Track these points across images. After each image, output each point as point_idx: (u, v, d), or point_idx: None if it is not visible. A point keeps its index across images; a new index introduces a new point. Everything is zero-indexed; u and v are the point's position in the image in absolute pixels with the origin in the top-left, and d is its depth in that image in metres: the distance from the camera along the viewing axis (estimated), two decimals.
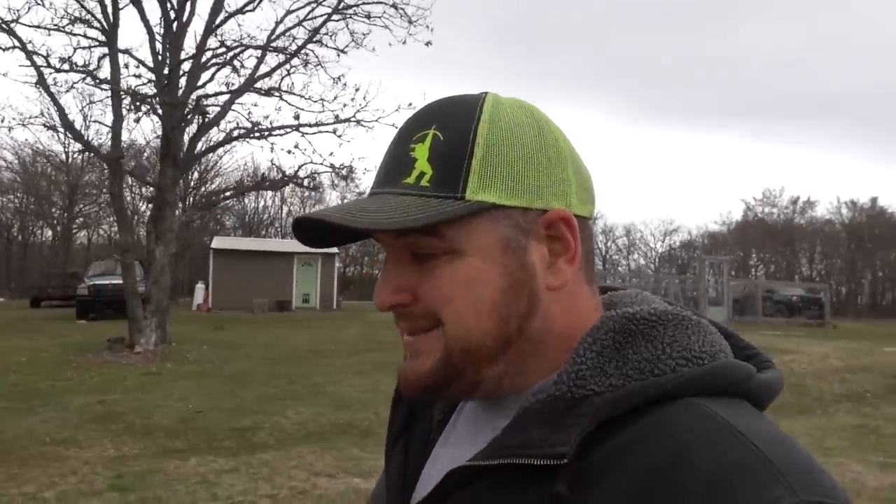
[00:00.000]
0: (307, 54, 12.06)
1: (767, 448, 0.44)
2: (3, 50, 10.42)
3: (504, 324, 0.53)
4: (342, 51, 11.96)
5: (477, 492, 0.51)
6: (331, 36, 12.01)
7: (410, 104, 12.79)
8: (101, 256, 27.96)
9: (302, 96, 11.95)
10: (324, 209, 0.55)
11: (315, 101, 11.93)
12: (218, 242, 25.19)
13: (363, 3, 12.47)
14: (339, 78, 11.87)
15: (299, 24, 12.80)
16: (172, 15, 12.06)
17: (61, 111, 11.33)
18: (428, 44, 12.59)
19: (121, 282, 19.26)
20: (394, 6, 12.34)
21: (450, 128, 0.53)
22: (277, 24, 12.77)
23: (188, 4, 12.10)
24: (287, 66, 12.06)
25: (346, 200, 0.53)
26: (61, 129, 11.51)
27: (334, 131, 11.84)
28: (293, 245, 26.34)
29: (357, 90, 12.21)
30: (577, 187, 0.56)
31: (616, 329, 0.52)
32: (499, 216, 0.52)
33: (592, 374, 0.50)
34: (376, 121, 12.15)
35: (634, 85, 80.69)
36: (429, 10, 12.45)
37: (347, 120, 12.07)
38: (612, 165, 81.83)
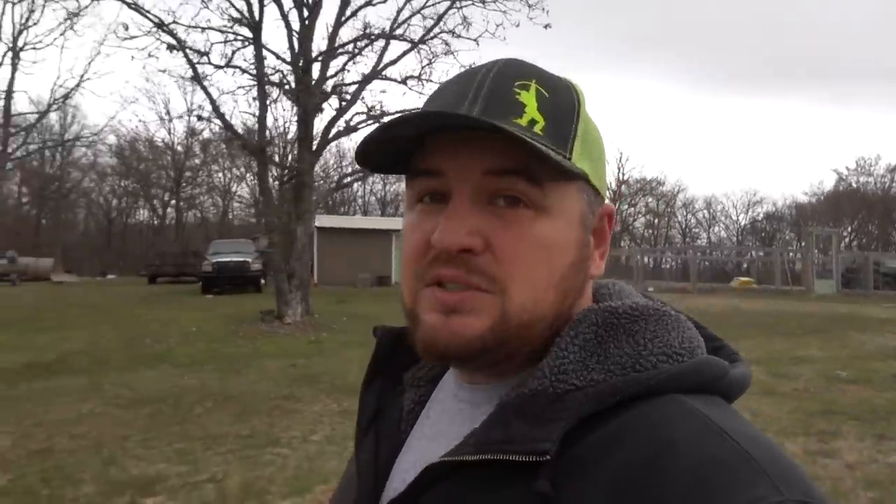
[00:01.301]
0: (431, 43, 12.60)
1: (749, 446, 0.44)
2: (169, 49, 11.36)
3: (564, 298, 0.52)
4: (474, 40, 12.46)
5: (455, 487, 0.49)
6: (464, 26, 12.48)
7: None
8: (223, 234, 29.68)
9: (437, 83, 12.53)
10: (453, 112, 0.50)
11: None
12: (322, 221, 26.32)
13: None
14: (471, 66, 12.31)
15: (418, 12, 13.35)
16: (306, 12, 12.81)
17: (213, 103, 12.33)
18: (547, 26, 12.91)
19: (241, 260, 20.89)
20: None
21: (553, 90, 0.53)
22: (399, 11, 13.36)
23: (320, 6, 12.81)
24: (429, 56, 12.65)
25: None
26: (216, 120, 12.48)
27: None
28: (392, 223, 27.37)
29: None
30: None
31: (598, 323, 0.52)
32: (584, 189, 0.53)
33: (574, 368, 0.50)
34: None
35: (714, 49, 77.76)
36: None
37: None
38: (692, 136, 79.46)
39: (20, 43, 17.44)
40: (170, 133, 35.15)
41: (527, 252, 0.50)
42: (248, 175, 46.31)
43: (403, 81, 12.61)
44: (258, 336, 11.00)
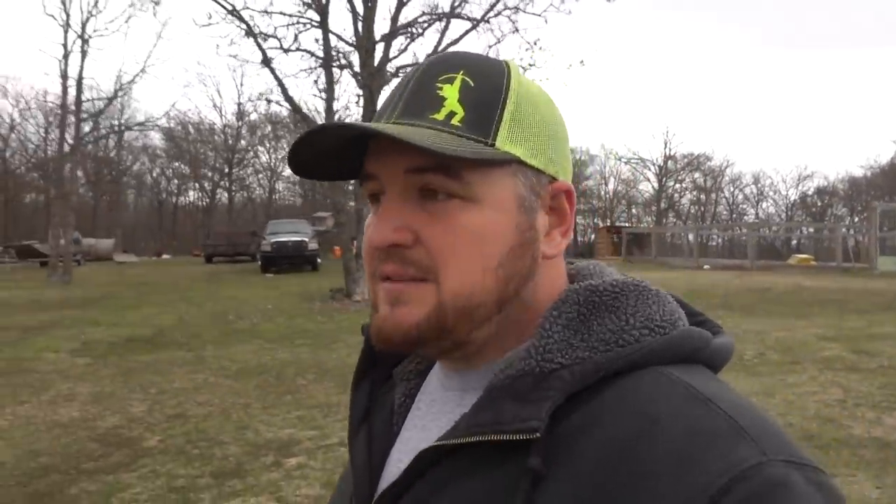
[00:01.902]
0: (494, 21, 12.70)
1: (733, 412, 0.45)
2: (247, 35, 11.73)
3: (505, 284, 0.53)
4: (539, 15, 12.52)
5: (449, 470, 0.51)
6: (528, 1, 12.54)
7: (582, 62, 13.22)
8: (270, 215, 30.42)
9: None
10: (355, 122, 0.52)
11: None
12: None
13: None
14: (535, 42, 12.51)
15: None
16: None
17: (282, 87, 12.70)
18: (609, 0, 12.87)
19: (299, 240, 21.42)
20: None
21: (480, 76, 0.53)
22: None
23: None
24: (497, 35, 12.76)
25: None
26: (285, 104, 12.84)
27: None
28: None
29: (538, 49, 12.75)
30: (571, 167, 0.59)
31: (581, 302, 0.53)
32: (518, 173, 0.53)
33: (559, 347, 0.51)
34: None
35: (764, 15, 75.32)
36: None
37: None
38: (741, 109, 77.40)
39: (88, 31, 18.03)
40: (221, 116, 35.88)
41: (455, 242, 0.51)
42: None
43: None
44: (333, 313, 11.42)
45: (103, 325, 9.97)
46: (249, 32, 11.88)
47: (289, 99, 12.77)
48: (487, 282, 0.52)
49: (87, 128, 18.84)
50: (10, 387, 6.31)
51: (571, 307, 0.53)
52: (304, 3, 12.13)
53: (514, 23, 12.77)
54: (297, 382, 6.48)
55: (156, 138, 46.14)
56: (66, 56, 17.96)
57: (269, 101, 13.11)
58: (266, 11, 12.04)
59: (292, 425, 5.05)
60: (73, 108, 18.34)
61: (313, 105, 14.64)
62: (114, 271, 23.18)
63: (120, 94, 19.65)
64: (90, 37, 17.87)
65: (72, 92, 18.33)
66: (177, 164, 49.71)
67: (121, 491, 3.87)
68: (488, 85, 0.53)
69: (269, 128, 44.92)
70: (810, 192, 58.99)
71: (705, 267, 20.88)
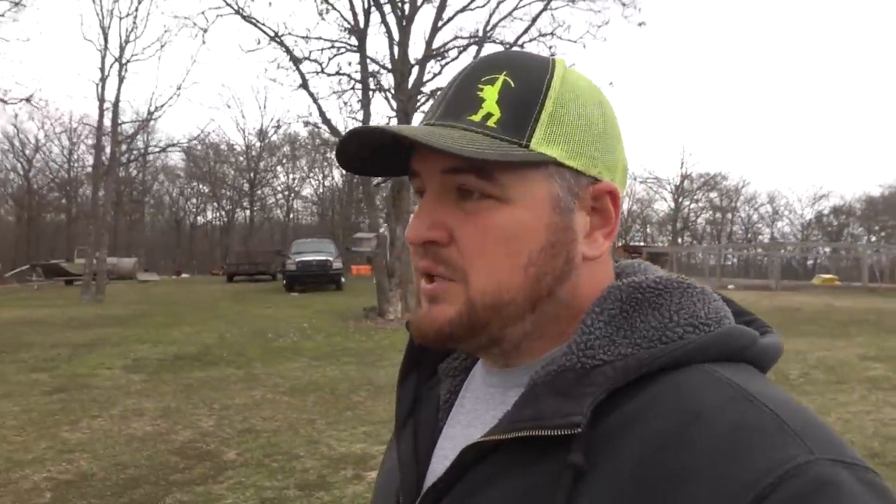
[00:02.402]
0: (528, 46, 12.96)
1: (780, 410, 0.44)
2: (292, 62, 12.04)
3: (536, 281, 0.53)
4: (575, 42, 12.81)
5: (493, 467, 0.51)
6: (564, 27, 12.81)
7: (611, 83, 13.44)
8: (288, 234, 30.78)
9: None
10: (391, 125, 0.53)
11: None
12: None
13: None
14: (572, 66, 12.68)
15: (508, 15, 13.74)
16: (404, 20, 13.36)
17: (320, 110, 13.01)
18: (641, 24, 13.13)
19: (323, 259, 21.66)
20: None
21: (522, 77, 0.53)
22: (490, 15, 13.78)
23: (418, 12, 13.34)
24: None
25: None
26: (322, 126, 13.14)
27: None
28: None
29: None
30: (622, 168, 0.58)
31: (623, 298, 0.53)
32: (554, 173, 0.53)
33: (601, 343, 0.51)
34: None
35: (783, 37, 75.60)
36: None
37: None
38: (756, 128, 77.47)
39: (126, 55, 18.52)
40: (244, 136, 36.51)
41: (486, 241, 0.52)
42: (310, 175, 47.63)
43: None
44: (370, 331, 11.57)
45: (148, 343, 10.17)
46: (291, 57, 12.19)
47: (326, 121, 13.07)
48: (516, 279, 0.52)
49: (122, 149, 19.17)
50: (77, 402, 6.49)
51: (614, 304, 0.53)
52: (345, 29, 12.47)
53: (550, 48, 13.02)
54: (353, 399, 6.62)
55: (176, 158, 46.93)
56: (103, 80, 18.46)
57: (307, 124, 13.41)
58: (307, 37, 12.39)
59: (361, 440, 5.19)
60: (108, 130, 18.78)
61: (346, 126, 14.81)
62: (139, 290, 23.47)
63: (156, 116, 20.08)
64: (128, 61, 18.37)
65: (107, 115, 18.78)
66: (194, 183, 50.44)
67: (214, 502, 4.02)
68: (528, 85, 0.53)
69: (287, 147, 45.62)
70: (826, 212, 58.87)
71: (730, 287, 20.90)
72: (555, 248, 0.53)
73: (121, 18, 18.54)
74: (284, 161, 46.52)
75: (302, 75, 12.61)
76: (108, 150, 19.11)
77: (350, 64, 12.94)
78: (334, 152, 0.57)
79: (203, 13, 12.92)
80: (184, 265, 48.31)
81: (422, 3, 13.13)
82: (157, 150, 23.08)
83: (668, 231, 54.68)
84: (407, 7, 13.28)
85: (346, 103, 13.50)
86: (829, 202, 59.27)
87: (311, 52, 13.04)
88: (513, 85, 0.53)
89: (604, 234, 0.56)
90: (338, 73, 12.58)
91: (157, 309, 15.57)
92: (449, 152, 0.49)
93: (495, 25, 13.81)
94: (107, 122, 18.93)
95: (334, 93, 13.88)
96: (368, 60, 13.04)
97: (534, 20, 13.38)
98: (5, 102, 17.71)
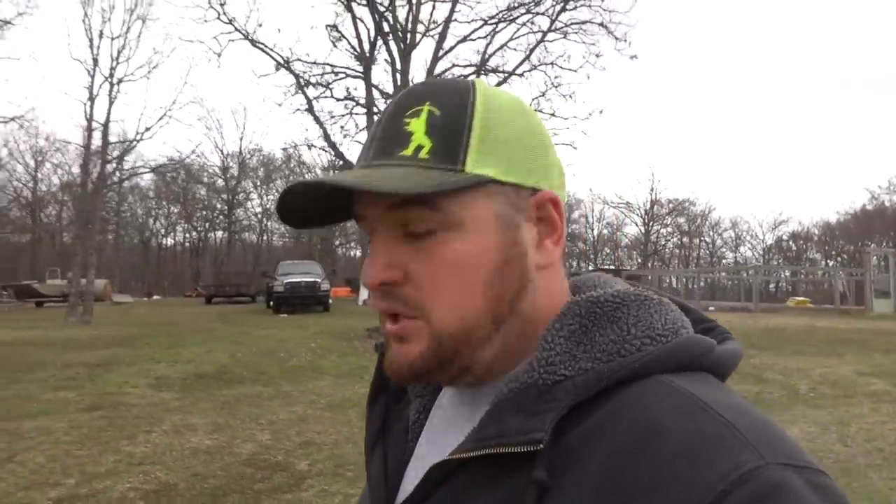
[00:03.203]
0: (530, 76, 13.50)
1: (733, 418, 0.46)
2: (305, 85, 12.33)
3: (497, 302, 0.54)
4: (575, 71, 13.36)
5: (459, 484, 0.52)
6: (564, 57, 13.37)
7: (601, 111, 14.04)
8: (262, 256, 30.61)
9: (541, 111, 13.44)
10: (320, 177, 0.54)
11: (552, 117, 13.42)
12: None
13: (571, 24, 13.76)
14: (570, 95, 13.31)
15: (503, 46, 14.28)
16: (406, 52, 13.80)
17: (325, 133, 13.26)
18: (633, 57, 13.76)
19: (311, 280, 21.70)
20: (602, 25, 13.59)
21: (446, 103, 0.54)
22: (487, 45, 14.29)
23: (419, 38, 13.79)
24: (541, 88, 13.54)
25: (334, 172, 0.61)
26: (328, 148, 13.38)
27: (571, 143, 13.29)
28: None
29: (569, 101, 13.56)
30: (558, 171, 0.59)
31: (582, 314, 0.54)
32: (494, 192, 0.54)
33: (562, 359, 0.52)
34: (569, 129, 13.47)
35: (739, 63, 78.54)
36: (634, 27, 13.56)
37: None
38: (719, 156, 79.97)
39: (118, 75, 18.53)
40: (224, 159, 36.47)
41: (441, 273, 0.53)
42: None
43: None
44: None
45: (163, 363, 10.17)
46: (298, 82, 12.48)
47: (332, 144, 13.34)
48: (477, 304, 0.54)
49: (109, 169, 19.09)
50: (121, 418, 6.55)
51: (573, 319, 0.54)
52: (353, 56, 12.81)
53: (553, 78, 13.57)
54: None
55: (146, 178, 46.38)
56: (91, 99, 18.39)
57: (310, 146, 13.64)
58: (315, 62, 12.69)
59: None
60: (97, 149, 18.67)
61: (348, 149, 15.11)
62: (120, 312, 23.09)
63: (146, 137, 20.04)
64: (119, 81, 18.37)
65: (96, 135, 18.71)
66: (164, 203, 49.84)
67: None
68: (453, 111, 0.54)
69: (262, 170, 45.55)
70: (785, 237, 60.99)
71: (710, 308, 21.57)
72: (508, 265, 0.54)
73: (112, 39, 18.53)
74: (259, 183, 46.44)
75: (308, 99, 12.90)
76: (96, 170, 18.96)
77: (356, 89, 13.26)
78: (275, 209, 0.57)
79: (216, 38, 13.00)
80: (154, 287, 47.54)
81: (423, 36, 13.58)
82: (147, 170, 22.87)
83: (637, 255, 55.94)
84: (409, 37, 13.70)
85: (342, 127, 13.73)
86: (789, 227, 61.44)
87: (316, 76, 13.32)
88: (438, 113, 0.54)
89: (552, 240, 0.57)
90: (346, 98, 12.93)
91: (151, 330, 15.43)
92: (388, 193, 0.50)
93: (491, 55, 14.30)
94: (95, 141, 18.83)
95: (332, 117, 14.18)
96: (373, 87, 13.40)
97: (529, 52, 13.93)
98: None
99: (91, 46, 18.30)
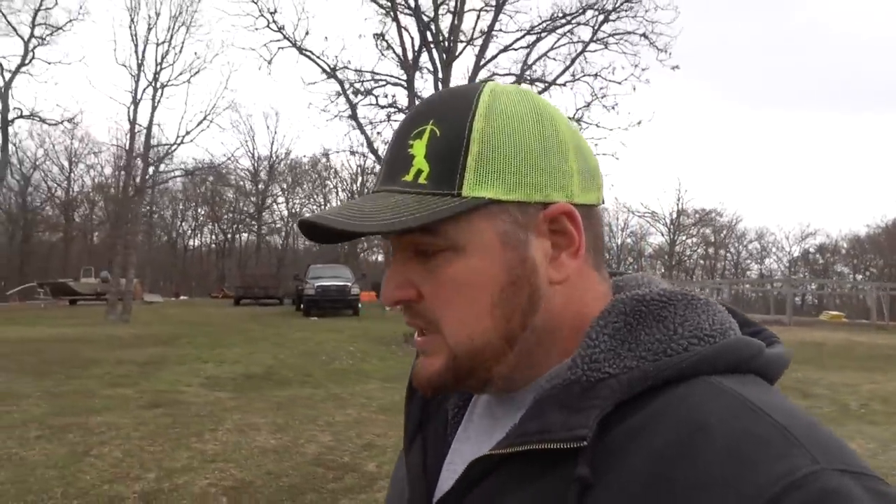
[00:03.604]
0: (575, 86, 13.61)
1: (785, 420, 0.44)
2: (355, 94, 12.56)
3: (506, 321, 0.54)
4: (620, 83, 13.45)
5: (500, 480, 0.51)
6: (609, 69, 13.46)
7: (640, 122, 14.06)
8: (287, 259, 30.94)
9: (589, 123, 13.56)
10: (323, 212, 0.54)
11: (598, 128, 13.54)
12: None
13: (615, 34, 13.82)
14: (613, 106, 13.40)
15: (543, 56, 14.38)
16: (448, 60, 13.96)
17: (368, 139, 13.48)
18: (675, 68, 13.79)
19: (342, 284, 21.90)
20: (644, 35, 13.65)
21: (446, 122, 0.53)
22: (527, 55, 14.41)
23: (461, 47, 13.96)
24: (586, 100, 13.66)
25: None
26: (369, 154, 13.58)
27: (614, 154, 13.35)
28: None
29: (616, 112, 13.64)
30: (580, 176, 0.56)
31: (627, 311, 0.53)
32: (496, 212, 0.53)
33: (606, 356, 0.51)
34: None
35: (765, 75, 77.93)
36: (676, 38, 13.60)
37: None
38: (747, 166, 79.24)
39: (161, 80, 18.95)
40: (255, 163, 37.09)
41: (448, 294, 0.53)
42: (309, 202, 48.08)
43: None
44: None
45: (210, 363, 10.38)
46: (343, 90, 12.71)
47: (373, 150, 13.53)
48: (485, 324, 0.53)
49: (150, 171, 19.51)
50: (183, 416, 6.72)
51: (618, 317, 0.53)
52: (398, 64, 13.01)
53: (599, 89, 13.64)
54: None
55: (176, 180, 47.19)
56: (135, 103, 18.83)
57: (353, 153, 13.88)
58: (360, 70, 12.93)
59: None
60: (139, 152, 19.10)
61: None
62: (152, 311, 23.50)
63: (187, 140, 20.50)
64: (163, 86, 18.80)
65: (138, 138, 19.13)
66: (192, 205, 50.64)
67: None
68: (452, 131, 0.53)
69: (289, 176, 46.14)
70: (812, 250, 60.23)
71: None
72: (516, 284, 0.54)
73: (157, 45, 18.98)
74: (286, 187, 46.99)
75: (352, 106, 13.12)
76: (139, 171, 19.37)
77: (394, 97, 13.47)
78: (300, 231, 0.57)
79: (266, 45, 13.29)
80: (181, 287, 48.22)
81: (466, 45, 13.73)
82: (185, 173, 23.33)
83: (659, 265, 55.57)
84: (451, 46, 13.85)
85: (379, 133, 13.90)
86: (816, 240, 60.68)
87: (360, 83, 13.54)
88: (438, 134, 0.53)
89: (569, 254, 0.55)
90: (391, 106, 13.13)
91: (189, 330, 15.71)
92: (375, 233, 0.52)
93: (532, 65, 14.41)
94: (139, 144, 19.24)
95: (370, 123, 14.37)
96: (415, 96, 13.57)
97: (571, 63, 14.02)
98: (48, 123, 17.91)
99: (136, 52, 18.78)
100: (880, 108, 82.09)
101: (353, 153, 13.94)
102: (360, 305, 22.37)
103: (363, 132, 13.22)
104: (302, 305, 22.11)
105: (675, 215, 51.74)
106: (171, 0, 18.84)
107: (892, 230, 54.87)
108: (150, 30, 19.19)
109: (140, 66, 18.85)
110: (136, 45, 18.83)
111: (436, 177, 0.53)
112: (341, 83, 12.91)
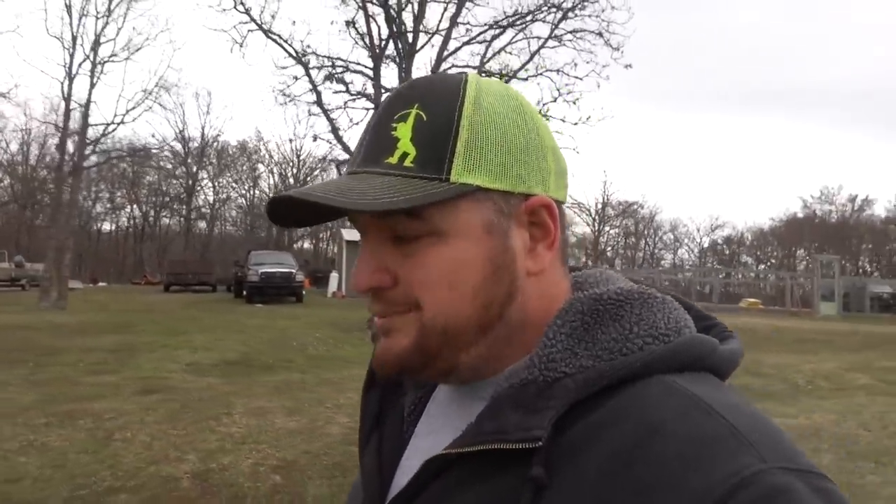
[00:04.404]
0: (535, 80, 14.06)
1: (735, 419, 0.46)
2: (328, 79, 12.46)
3: (485, 309, 0.54)
4: (581, 79, 13.97)
5: (455, 479, 0.52)
6: (571, 64, 13.96)
7: (589, 117, 14.75)
8: (213, 245, 30.06)
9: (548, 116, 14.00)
10: (304, 188, 0.53)
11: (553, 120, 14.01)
12: (348, 235, 27.33)
13: (574, 32, 14.37)
14: (574, 102, 13.92)
15: (500, 51, 14.80)
16: (408, 47, 14.12)
17: (333, 126, 13.44)
18: (628, 66, 14.50)
19: (286, 270, 21.69)
20: (599, 34, 14.27)
21: (433, 107, 0.53)
22: (487, 49, 14.77)
23: (424, 39, 14.17)
24: (552, 95, 14.08)
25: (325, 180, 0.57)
26: (334, 141, 13.56)
27: (574, 148, 13.91)
28: None
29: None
30: (555, 175, 0.57)
31: (584, 311, 0.54)
32: (482, 199, 0.53)
33: (563, 356, 0.52)
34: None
35: (680, 71, 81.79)
36: (629, 38, 14.31)
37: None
38: (662, 157, 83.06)
39: (101, 55, 18.07)
40: (185, 146, 35.71)
41: (429, 278, 0.53)
42: (236, 186, 46.82)
43: None
44: None
45: (183, 350, 10.20)
46: (309, 77, 12.65)
47: (339, 138, 13.53)
48: (465, 311, 0.54)
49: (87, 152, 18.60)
50: (185, 402, 6.69)
51: (575, 316, 0.54)
52: (368, 55, 13.04)
53: (565, 85, 14.10)
54: None
55: (90, 160, 44.77)
56: (70, 78, 17.85)
57: (315, 138, 13.80)
58: (329, 57, 12.87)
59: None
60: (75, 129, 18.16)
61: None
62: (79, 297, 22.37)
63: (126, 120, 19.60)
64: (103, 62, 17.90)
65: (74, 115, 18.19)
66: (102, 186, 48.19)
67: None
68: (440, 116, 0.53)
69: (216, 160, 44.72)
70: (720, 241, 64.15)
71: None
72: (497, 273, 0.54)
73: (97, 18, 18.04)
74: (213, 171, 45.55)
75: (318, 93, 13.07)
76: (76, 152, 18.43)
77: (365, 85, 13.52)
78: (266, 213, 0.57)
79: (235, 27, 12.97)
80: (97, 273, 45.92)
81: (430, 37, 13.92)
82: (123, 154, 22.25)
83: (580, 254, 57.70)
84: (413, 38, 14.02)
85: (333, 119, 13.91)
86: (724, 232, 64.61)
87: (327, 68, 13.49)
88: (425, 118, 0.53)
89: (545, 245, 0.56)
90: (360, 94, 13.14)
91: (135, 318, 15.19)
92: (362, 212, 0.51)
93: (489, 59, 14.78)
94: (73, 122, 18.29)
95: (337, 108, 14.35)
96: (381, 87, 13.67)
97: (530, 58, 14.47)
98: None
99: (71, 24, 17.79)
100: (791, 104, 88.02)
101: (315, 139, 13.82)
102: (303, 292, 22.22)
103: (329, 119, 13.20)
104: (244, 292, 21.71)
105: (600, 206, 53.77)
106: None
107: (793, 223, 59.10)
108: (86, 1, 18.22)
109: (75, 39, 17.91)
110: (70, 17, 17.89)
111: (423, 160, 0.52)
112: (307, 68, 12.85)
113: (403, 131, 0.53)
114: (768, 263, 62.23)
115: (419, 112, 0.53)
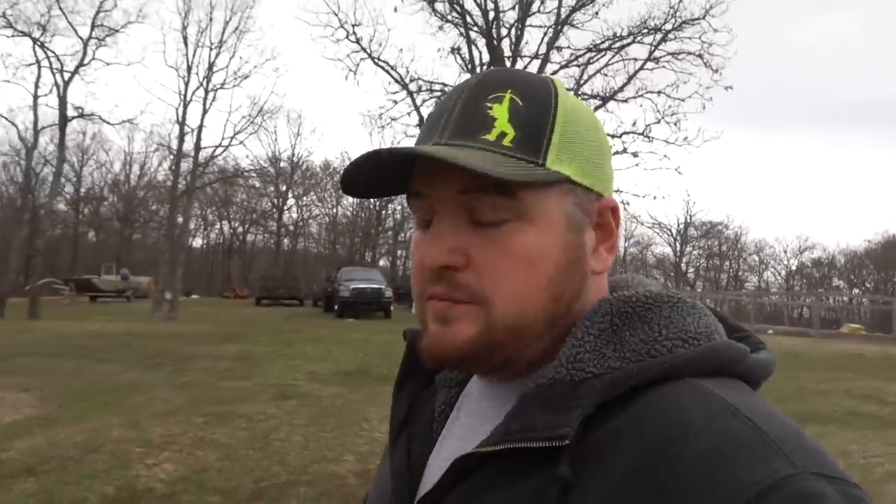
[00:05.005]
0: (635, 102, 14.17)
1: (764, 424, 0.45)
2: (413, 106, 13.00)
3: (555, 302, 0.54)
4: (683, 101, 14.01)
5: (483, 478, 0.52)
6: (673, 86, 14.02)
7: (686, 137, 14.59)
8: (295, 262, 30.78)
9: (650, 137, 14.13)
10: (409, 147, 0.52)
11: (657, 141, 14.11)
12: None
13: (675, 54, 14.38)
14: (676, 123, 13.97)
15: (598, 73, 14.93)
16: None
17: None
18: (728, 88, 14.37)
19: (377, 286, 22.27)
20: (699, 55, 14.22)
21: (528, 95, 0.54)
22: (582, 70, 14.96)
23: (518, 64, 14.50)
24: (657, 117, 14.22)
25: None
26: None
27: (677, 168, 13.97)
28: None
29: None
30: (612, 183, 0.59)
31: (613, 312, 0.54)
32: (568, 192, 0.54)
33: (591, 357, 0.52)
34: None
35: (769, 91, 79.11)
36: (730, 59, 14.20)
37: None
38: (748, 178, 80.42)
39: (214, 83, 19.36)
40: (276, 165, 37.57)
41: (506, 264, 0.52)
42: (319, 204, 48.44)
43: (619, 136, 14.25)
44: None
45: (299, 359, 10.75)
46: (413, 102, 13.22)
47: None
48: (539, 301, 0.53)
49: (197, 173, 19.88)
50: (325, 408, 7.11)
51: (604, 317, 0.54)
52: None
53: (668, 107, 14.14)
54: None
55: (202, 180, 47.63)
56: (184, 105, 19.21)
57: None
58: (431, 82, 13.44)
59: None
60: (191, 153, 19.49)
61: None
62: (183, 309, 23.71)
63: (234, 143, 20.90)
64: (215, 89, 19.21)
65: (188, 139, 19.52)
66: (196, 203, 50.82)
67: None
68: (537, 104, 0.54)
69: (301, 180, 46.51)
70: (808, 263, 61.28)
71: (769, 332, 21.99)
72: (570, 266, 0.54)
73: (210, 49, 19.39)
74: (300, 193, 47.40)
75: (420, 116, 13.56)
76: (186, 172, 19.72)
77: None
78: (342, 177, 0.55)
79: (349, 55, 13.73)
80: (188, 287, 48.36)
81: (527, 64, 14.23)
82: (230, 175, 23.65)
83: (660, 275, 56.37)
84: (510, 63, 14.37)
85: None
86: (813, 254, 61.75)
87: (427, 91, 14.02)
88: (521, 103, 0.54)
89: (606, 248, 0.57)
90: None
91: (239, 329, 16.04)
92: (483, 174, 0.48)
93: (586, 81, 14.96)
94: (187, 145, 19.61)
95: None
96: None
97: (628, 80, 14.57)
98: (110, 123, 18.26)
99: (186, 54, 19.19)
100: (876, 127, 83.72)
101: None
102: (392, 308, 22.75)
103: None
104: (335, 307, 22.41)
105: (682, 226, 52.55)
106: (224, 5, 19.03)
107: (891, 244, 55.87)
108: (201, 33, 19.59)
109: (190, 68, 19.26)
110: (186, 48, 19.28)
111: (521, 142, 0.53)
112: (411, 94, 13.41)
113: (500, 111, 0.53)
114: (863, 287, 59.01)
115: (514, 97, 0.54)
